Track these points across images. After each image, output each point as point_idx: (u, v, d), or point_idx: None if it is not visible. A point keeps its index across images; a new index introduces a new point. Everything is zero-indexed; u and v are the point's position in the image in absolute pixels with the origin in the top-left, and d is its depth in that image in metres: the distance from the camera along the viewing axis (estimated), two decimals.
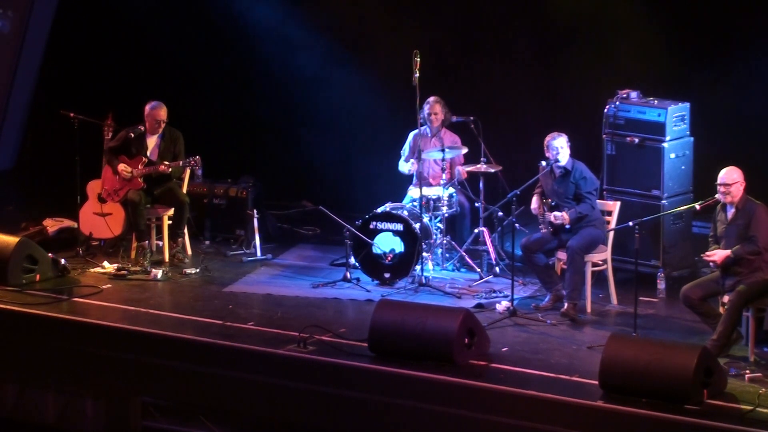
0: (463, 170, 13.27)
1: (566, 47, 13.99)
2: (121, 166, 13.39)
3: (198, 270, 13.21)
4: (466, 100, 13.88)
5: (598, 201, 12.25)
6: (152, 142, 13.53)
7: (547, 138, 12.11)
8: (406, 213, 12.90)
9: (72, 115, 13.68)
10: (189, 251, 13.67)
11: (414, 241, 12.71)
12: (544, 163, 12.14)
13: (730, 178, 10.96)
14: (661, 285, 12.47)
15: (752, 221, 10.89)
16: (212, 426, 11.37)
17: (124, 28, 15.62)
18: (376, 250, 12.79)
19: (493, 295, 12.44)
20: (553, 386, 10.17)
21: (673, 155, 12.67)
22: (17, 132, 16.27)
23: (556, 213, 12.00)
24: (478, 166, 13.16)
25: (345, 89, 14.81)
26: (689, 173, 12.79)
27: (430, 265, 13.01)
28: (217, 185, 14.49)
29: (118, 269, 13.08)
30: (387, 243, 12.82)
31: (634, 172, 12.76)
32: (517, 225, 12.34)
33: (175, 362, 11.26)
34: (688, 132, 12.80)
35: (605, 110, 12.85)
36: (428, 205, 13.00)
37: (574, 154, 12.18)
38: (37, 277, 12.75)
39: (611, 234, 12.21)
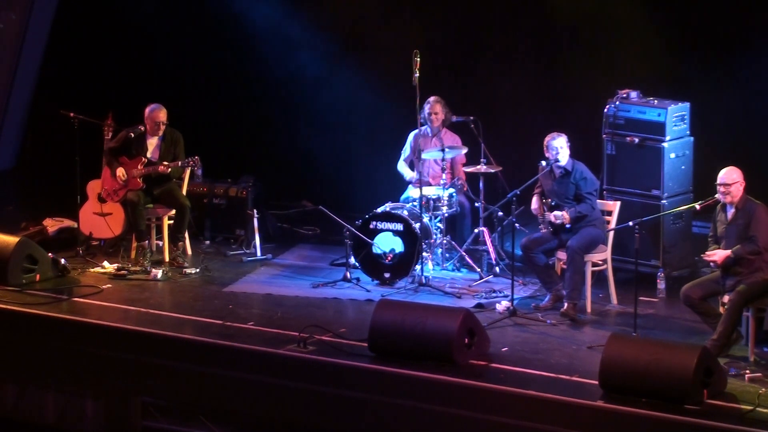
0: (463, 178, 13.29)
1: (566, 47, 13.99)
2: (119, 171, 13.38)
3: (198, 270, 13.21)
4: (466, 100, 13.89)
5: (598, 201, 12.25)
6: (153, 143, 13.53)
7: (547, 138, 12.11)
8: (406, 213, 12.90)
9: (72, 115, 13.67)
10: (189, 253, 13.67)
11: (414, 241, 12.71)
12: (544, 163, 12.14)
13: (730, 178, 10.96)
14: (661, 285, 12.47)
15: (752, 221, 10.89)
16: (212, 426, 11.37)
17: (124, 28, 15.62)
18: (376, 250, 12.79)
19: (493, 295, 12.44)
20: (553, 386, 10.17)
21: (673, 155, 12.67)
22: (17, 132, 16.28)
23: (556, 213, 12.00)
24: (478, 166, 13.16)
25: (345, 89, 14.80)
26: (689, 173, 12.79)
27: (430, 265, 13.01)
28: (217, 185, 14.49)
29: (118, 269, 13.08)
30: (387, 243, 12.82)
31: (634, 172, 12.75)
32: (517, 225, 12.34)
33: (175, 362, 11.25)
34: (688, 132, 12.80)
35: (605, 110, 12.85)
36: (428, 205, 13.00)
37: (574, 154, 12.18)
38: (37, 277, 12.75)
39: (611, 234, 12.20)
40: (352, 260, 12.92)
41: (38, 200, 15.02)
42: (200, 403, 11.36)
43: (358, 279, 12.86)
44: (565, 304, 11.85)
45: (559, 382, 10.30)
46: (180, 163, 13.37)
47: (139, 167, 13.39)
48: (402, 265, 12.77)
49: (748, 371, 10.46)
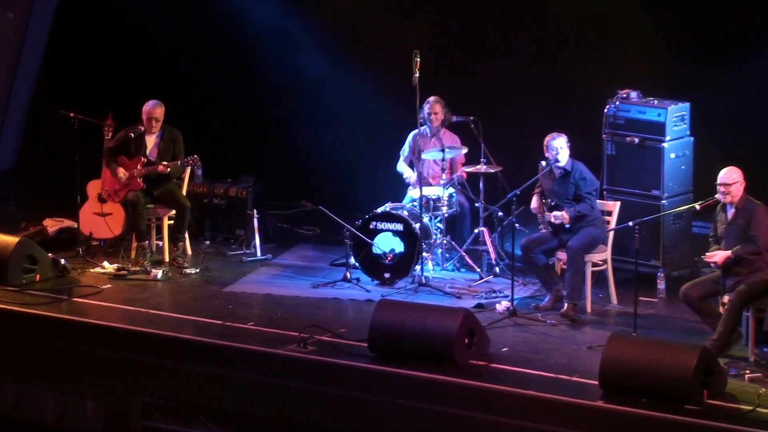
0: (462, 171, 13.27)
1: (566, 47, 13.99)
2: (120, 171, 13.37)
3: (198, 270, 13.21)
4: (466, 100, 13.88)
5: (598, 201, 12.25)
6: (151, 141, 13.52)
7: (547, 138, 12.11)
8: (406, 213, 12.90)
9: (72, 115, 13.66)
10: (189, 253, 13.67)
11: (414, 241, 12.71)
12: (543, 163, 12.14)
13: (730, 178, 10.96)
14: (661, 285, 12.46)
15: (752, 221, 10.89)
16: (212, 426, 11.36)
17: (124, 28, 15.63)
18: (376, 250, 12.79)
19: (493, 295, 12.44)
20: (553, 386, 10.17)
21: (673, 155, 12.67)
22: (17, 132, 16.30)
23: (556, 213, 12.00)
24: (478, 166, 13.16)
25: (345, 89, 14.80)
26: (689, 173, 12.78)
27: (430, 265, 13.01)
28: (217, 185, 14.49)
29: (118, 269, 13.08)
30: (387, 243, 12.81)
31: (634, 172, 12.75)
32: (517, 225, 12.34)
33: (175, 362, 11.25)
34: (688, 132, 12.80)
35: (605, 110, 12.85)
36: (428, 205, 13.00)
37: (574, 154, 12.18)
38: (37, 277, 12.75)
39: (611, 234, 12.20)
40: (352, 260, 12.92)
41: (38, 200, 15.02)
42: (200, 403, 11.36)
43: (358, 279, 12.86)
44: (566, 305, 11.85)
45: (559, 382, 10.29)
46: (180, 162, 13.37)
47: (138, 167, 13.38)
48: (402, 265, 12.77)
49: (748, 371, 10.46)
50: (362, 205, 13.71)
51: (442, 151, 13.11)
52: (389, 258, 12.79)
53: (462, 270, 13.17)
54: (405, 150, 13.56)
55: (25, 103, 16.15)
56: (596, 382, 10.06)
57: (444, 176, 13.17)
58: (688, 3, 13.39)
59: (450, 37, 14.50)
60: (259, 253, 13.74)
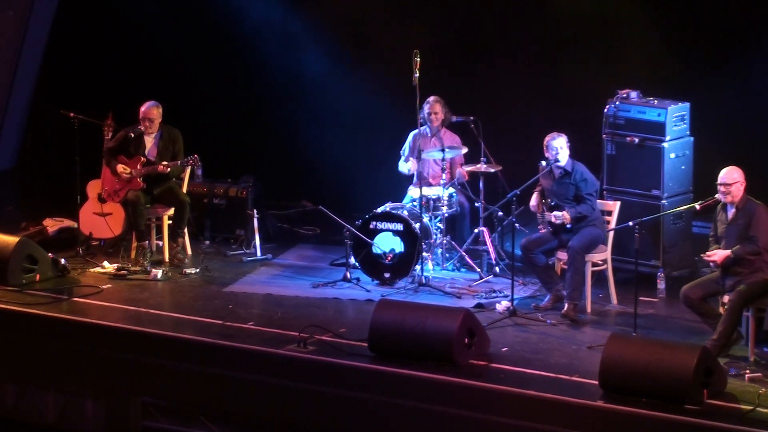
0: (464, 171, 13.27)
1: (566, 47, 13.98)
2: (120, 167, 13.39)
3: (198, 270, 13.21)
4: (467, 100, 13.88)
5: (598, 201, 12.25)
6: (150, 141, 13.51)
7: (547, 138, 12.11)
8: (406, 213, 12.90)
9: (72, 115, 13.67)
10: (189, 251, 13.67)
11: (414, 241, 12.71)
12: (543, 163, 12.14)
13: (731, 177, 10.95)
14: (661, 285, 12.46)
15: (752, 221, 10.89)
16: (212, 426, 11.37)
17: (124, 28, 15.63)
18: (376, 250, 12.79)
19: (493, 295, 12.44)
20: (553, 386, 10.17)
21: (673, 155, 12.67)
22: (17, 132, 16.29)
23: (557, 213, 12.00)
24: (478, 166, 13.16)
25: (345, 89, 14.80)
26: (689, 173, 12.79)
27: (430, 265, 13.01)
28: (217, 185, 14.49)
29: (118, 269, 13.08)
30: (387, 243, 12.81)
31: (634, 172, 12.75)
32: (517, 225, 12.34)
33: (175, 362, 11.26)
34: (688, 132, 12.80)
35: (605, 110, 12.85)
36: (428, 205, 13.00)
37: (574, 154, 12.18)
38: (37, 277, 12.75)
39: (611, 234, 12.20)
40: (352, 260, 12.92)
41: (38, 200, 15.03)
42: (200, 403, 11.36)
43: (358, 279, 12.86)
44: (566, 305, 11.85)
45: (559, 382, 10.29)
46: (179, 162, 13.37)
47: (138, 167, 13.38)
48: (402, 265, 12.77)
49: (748, 371, 10.46)
50: (362, 205, 13.71)
51: (443, 150, 13.11)
52: (389, 258, 12.79)
53: (462, 270, 13.17)
54: (405, 150, 13.56)
55: (25, 103, 16.14)
56: (596, 382, 10.06)
57: (444, 176, 13.17)
58: (688, 3, 13.39)
59: (450, 37, 14.50)
60: (259, 253, 13.74)
